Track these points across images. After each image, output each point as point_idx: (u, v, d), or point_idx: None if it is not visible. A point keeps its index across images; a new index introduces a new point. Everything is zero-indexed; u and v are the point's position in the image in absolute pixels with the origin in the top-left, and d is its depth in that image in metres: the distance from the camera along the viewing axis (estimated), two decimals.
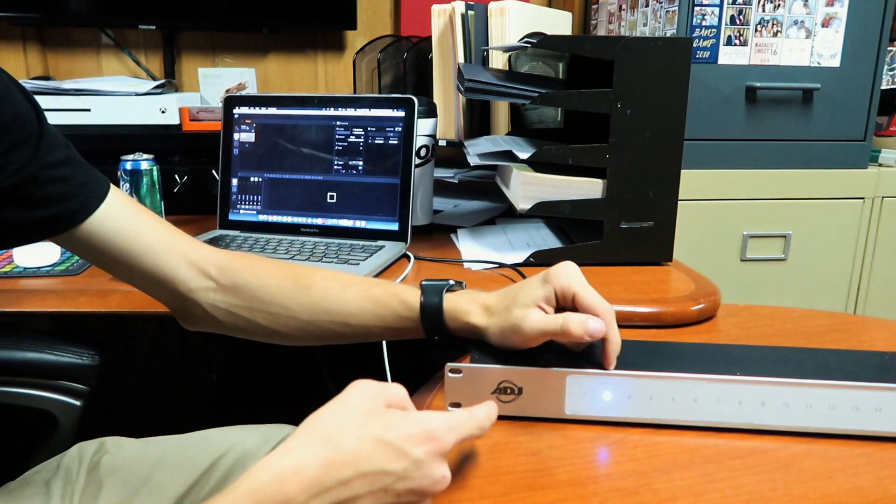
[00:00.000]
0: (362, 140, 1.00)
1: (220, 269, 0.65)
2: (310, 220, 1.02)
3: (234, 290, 0.65)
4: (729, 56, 1.32)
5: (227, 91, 1.52)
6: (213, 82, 1.52)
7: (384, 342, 0.78)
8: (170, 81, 1.57)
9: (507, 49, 1.17)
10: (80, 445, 0.79)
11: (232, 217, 1.05)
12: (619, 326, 0.76)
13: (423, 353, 1.22)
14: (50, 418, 0.84)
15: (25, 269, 0.90)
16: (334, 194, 1.01)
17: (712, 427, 0.54)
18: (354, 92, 1.64)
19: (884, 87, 1.43)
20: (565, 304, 0.57)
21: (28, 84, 1.26)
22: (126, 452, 0.77)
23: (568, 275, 0.57)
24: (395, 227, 0.98)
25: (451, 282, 0.63)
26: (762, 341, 0.72)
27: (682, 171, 0.90)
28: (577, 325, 0.53)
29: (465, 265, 0.92)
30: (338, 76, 1.74)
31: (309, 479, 0.38)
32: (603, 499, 0.46)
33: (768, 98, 1.35)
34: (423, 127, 1.03)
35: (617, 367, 0.54)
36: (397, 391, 0.45)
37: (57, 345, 0.85)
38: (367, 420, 0.41)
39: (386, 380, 0.77)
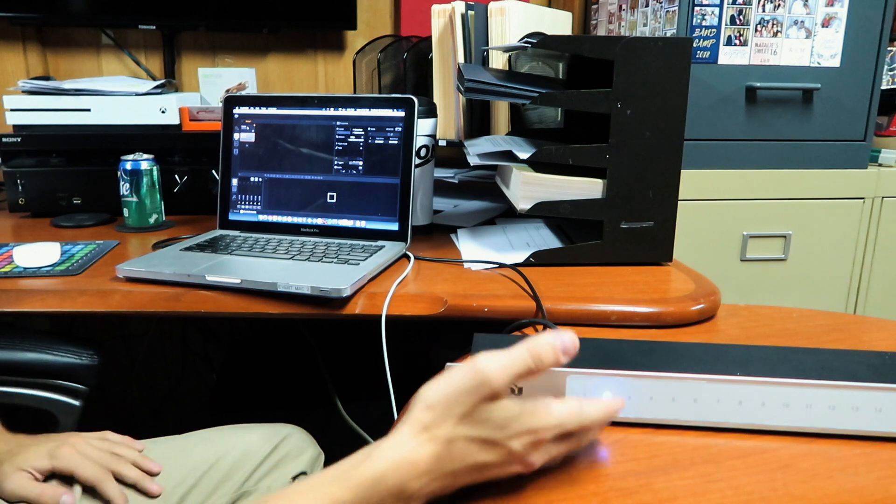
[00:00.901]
0: (362, 140, 1.00)
1: None
2: (310, 220, 1.02)
3: None
4: (729, 56, 1.32)
5: (227, 91, 1.52)
6: (213, 82, 1.52)
7: (384, 340, 0.78)
8: (170, 81, 1.57)
9: (507, 49, 1.17)
10: None
11: (232, 217, 1.05)
12: (619, 326, 0.77)
13: (423, 353, 1.22)
14: (50, 418, 0.84)
15: (25, 269, 0.90)
16: (334, 194, 1.01)
17: (712, 427, 0.54)
18: (354, 92, 1.64)
19: (884, 87, 1.43)
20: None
21: (28, 84, 1.26)
22: None
23: (66, 457, 0.70)
24: (395, 227, 0.98)
25: None
26: (762, 341, 0.72)
27: (682, 171, 0.90)
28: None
29: (465, 265, 0.92)
30: (338, 76, 1.74)
31: (421, 471, 0.43)
32: (603, 499, 0.46)
33: (768, 98, 1.35)
34: (423, 127, 1.03)
35: (617, 367, 0.54)
36: (505, 374, 0.44)
37: (56, 344, 0.85)
38: (480, 420, 0.44)
39: (386, 380, 0.78)
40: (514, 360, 0.45)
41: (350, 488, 0.42)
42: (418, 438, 0.44)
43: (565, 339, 0.45)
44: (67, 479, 0.71)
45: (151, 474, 0.74)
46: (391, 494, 0.43)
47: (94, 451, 0.72)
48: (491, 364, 0.44)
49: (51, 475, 0.71)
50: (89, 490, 0.70)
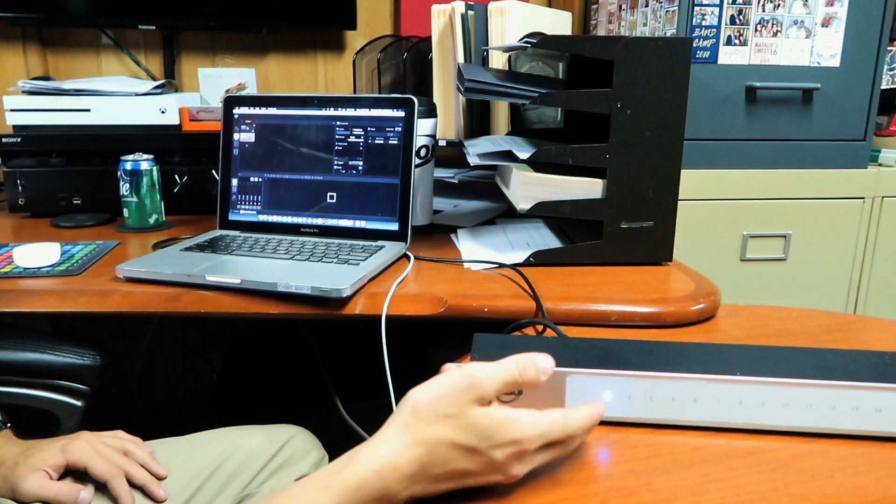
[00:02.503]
0: (362, 140, 1.00)
1: None
2: (310, 221, 1.02)
3: None
4: (729, 56, 1.32)
5: (227, 91, 1.52)
6: (213, 82, 1.52)
7: (384, 340, 0.78)
8: (170, 81, 1.57)
9: (507, 49, 1.17)
10: None
11: (232, 217, 1.05)
12: (619, 326, 0.77)
13: (423, 354, 1.22)
14: (52, 419, 0.84)
15: (25, 269, 0.90)
16: (334, 194, 1.01)
17: (712, 427, 0.54)
18: (354, 92, 1.64)
19: (884, 87, 1.43)
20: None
21: (28, 84, 1.26)
22: None
23: (79, 450, 0.70)
24: (395, 227, 0.98)
25: None
26: (762, 341, 0.72)
27: (682, 171, 0.90)
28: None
29: (465, 265, 0.92)
30: (338, 76, 1.74)
31: (404, 474, 0.44)
32: (603, 499, 0.46)
33: (768, 98, 1.35)
34: (423, 127, 1.03)
35: (617, 367, 0.54)
36: (494, 379, 0.46)
37: (59, 345, 0.85)
38: (465, 424, 0.44)
39: (386, 380, 0.78)
40: (502, 368, 0.46)
41: (334, 494, 0.43)
42: (403, 441, 0.44)
43: (546, 362, 0.47)
44: (80, 478, 0.71)
45: (159, 478, 0.74)
46: (374, 498, 0.43)
47: (106, 448, 0.73)
48: (481, 369, 0.46)
49: (65, 474, 0.71)
50: (100, 487, 0.71)
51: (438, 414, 0.44)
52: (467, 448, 0.44)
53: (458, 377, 0.45)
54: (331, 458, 0.88)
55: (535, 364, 0.47)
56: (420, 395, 0.45)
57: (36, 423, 0.82)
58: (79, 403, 0.85)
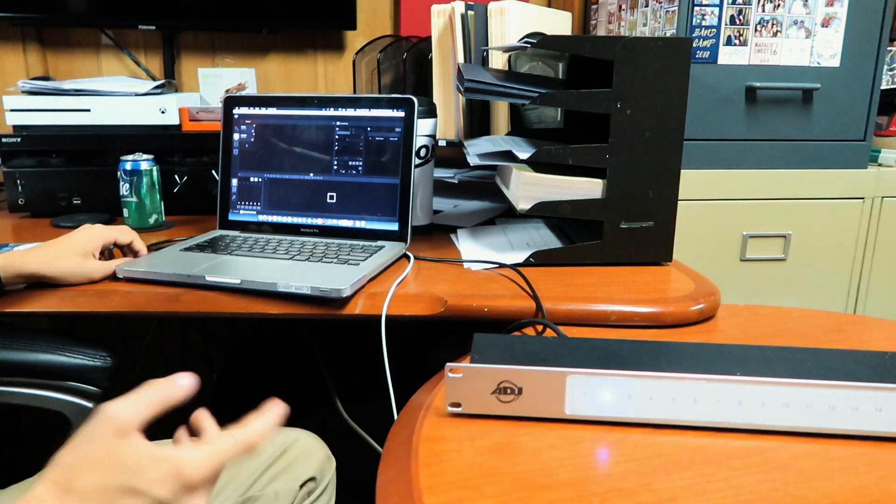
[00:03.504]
0: (362, 140, 1.00)
1: None
2: (310, 221, 1.02)
3: None
4: (729, 56, 1.32)
5: (227, 91, 1.52)
6: (213, 82, 1.52)
7: (384, 340, 0.78)
8: (169, 81, 1.57)
9: (507, 49, 1.17)
10: None
11: (232, 217, 1.05)
12: (619, 326, 0.77)
13: (423, 354, 1.22)
14: (62, 420, 0.84)
15: None
16: (334, 194, 1.01)
17: (712, 427, 0.54)
18: (354, 92, 1.64)
19: (884, 87, 1.43)
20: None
21: (28, 84, 1.26)
22: None
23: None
24: (394, 227, 0.98)
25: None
26: (762, 341, 0.72)
27: (682, 171, 0.90)
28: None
29: (465, 265, 0.92)
30: (338, 76, 1.74)
31: None
32: (603, 499, 0.46)
33: (768, 98, 1.35)
34: (423, 127, 1.03)
35: (617, 367, 0.54)
36: (131, 405, 0.45)
37: (69, 346, 0.85)
38: (112, 463, 0.41)
39: (386, 380, 0.78)
40: (137, 393, 0.45)
41: None
42: (51, 494, 0.40)
43: (184, 378, 0.48)
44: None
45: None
46: None
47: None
48: (114, 401, 0.44)
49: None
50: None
51: (84, 461, 0.41)
52: (125, 489, 0.41)
53: (92, 419, 0.43)
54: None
55: (166, 379, 0.47)
56: (63, 451, 0.42)
57: (46, 425, 0.82)
58: (89, 405, 0.85)
